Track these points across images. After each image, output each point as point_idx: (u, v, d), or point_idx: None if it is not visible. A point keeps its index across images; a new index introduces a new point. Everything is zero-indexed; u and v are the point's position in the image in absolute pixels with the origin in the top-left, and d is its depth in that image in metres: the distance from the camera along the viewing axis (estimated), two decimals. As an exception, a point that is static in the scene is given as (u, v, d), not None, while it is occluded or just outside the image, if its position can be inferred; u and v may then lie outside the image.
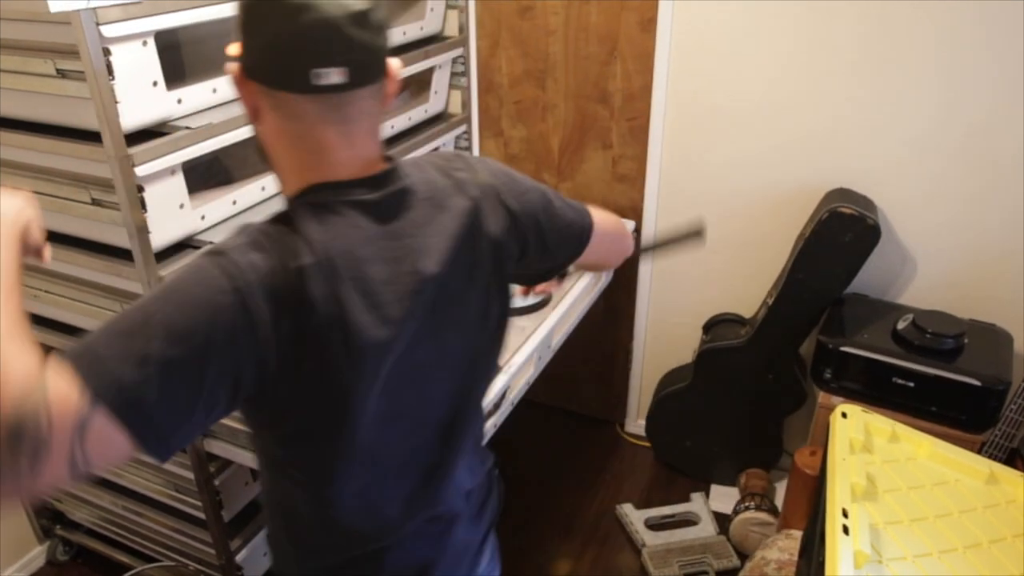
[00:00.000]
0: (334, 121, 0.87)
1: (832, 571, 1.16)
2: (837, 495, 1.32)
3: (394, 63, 0.92)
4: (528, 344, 1.87)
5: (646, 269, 2.67)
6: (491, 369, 1.14)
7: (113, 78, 1.40)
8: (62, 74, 1.44)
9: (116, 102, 1.41)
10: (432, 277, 0.92)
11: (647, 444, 2.83)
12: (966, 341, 2.05)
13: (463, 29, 2.54)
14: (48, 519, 2.34)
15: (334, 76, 0.83)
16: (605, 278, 2.49)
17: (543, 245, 1.10)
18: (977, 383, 1.94)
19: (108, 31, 1.36)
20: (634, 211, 2.61)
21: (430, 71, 2.46)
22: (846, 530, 1.24)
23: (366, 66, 0.86)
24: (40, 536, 2.36)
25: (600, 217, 1.22)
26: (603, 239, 1.22)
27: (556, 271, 1.24)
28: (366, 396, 0.91)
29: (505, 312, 1.10)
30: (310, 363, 0.85)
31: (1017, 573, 1.29)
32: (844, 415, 1.57)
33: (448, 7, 2.51)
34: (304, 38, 0.82)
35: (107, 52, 1.38)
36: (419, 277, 0.91)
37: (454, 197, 0.97)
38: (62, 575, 2.36)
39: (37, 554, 2.37)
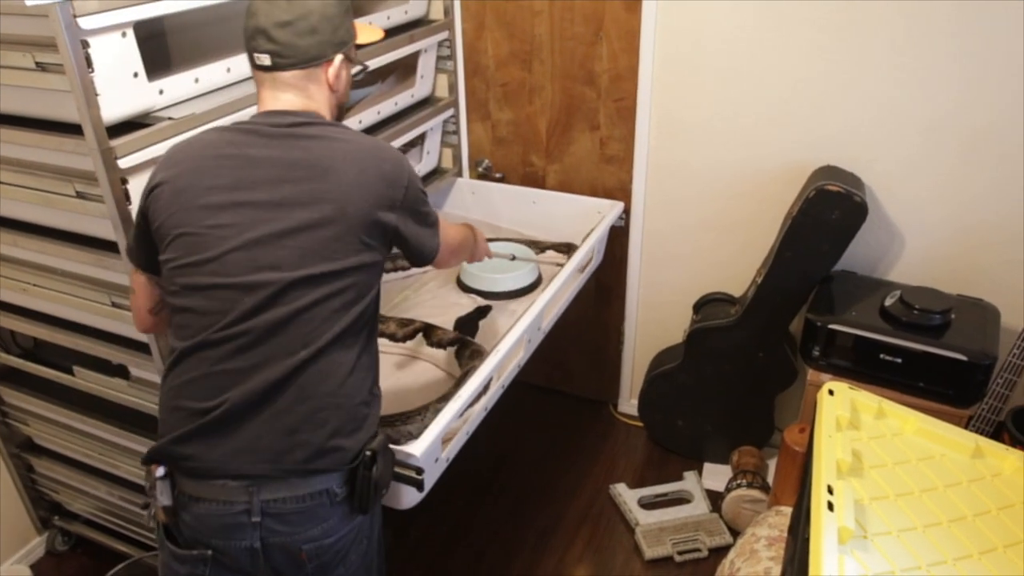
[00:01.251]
0: (268, 86, 1.37)
1: (817, 547, 1.17)
2: (822, 472, 1.34)
3: (335, 60, 1.37)
4: (518, 326, 1.87)
5: (636, 250, 2.68)
6: None
7: (92, 70, 1.40)
8: (41, 67, 1.43)
9: (96, 94, 1.41)
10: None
11: (640, 424, 2.85)
12: (953, 316, 2.06)
13: (448, 12, 2.53)
14: (46, 510, 2.36)
15: (264, 59, 1.34)
16: (596, 259, 2.49)
17: None
18: (964, 358, 1.95)
19: (85, 23, 1.36)
20: (623, 191, 2.61)
21: (416, 55, 2.45)
22: (831, 506, 1.25)
23: (284, 56, 1.32)
24: (39, 527, 2.38)
25: None
26: None
27: None
28: None
29: None
30: None
31: (1000, 545, 1.31)
32: (831, 392, 1.58)
33: (432, -10, 2.49)
34: (248, 35, 1.34)
35: (85, 44, 1.37)
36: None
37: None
38: (61, 565, 2.38)
39: (36, 544, 2.38)
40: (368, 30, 1.56)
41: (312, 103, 1.37)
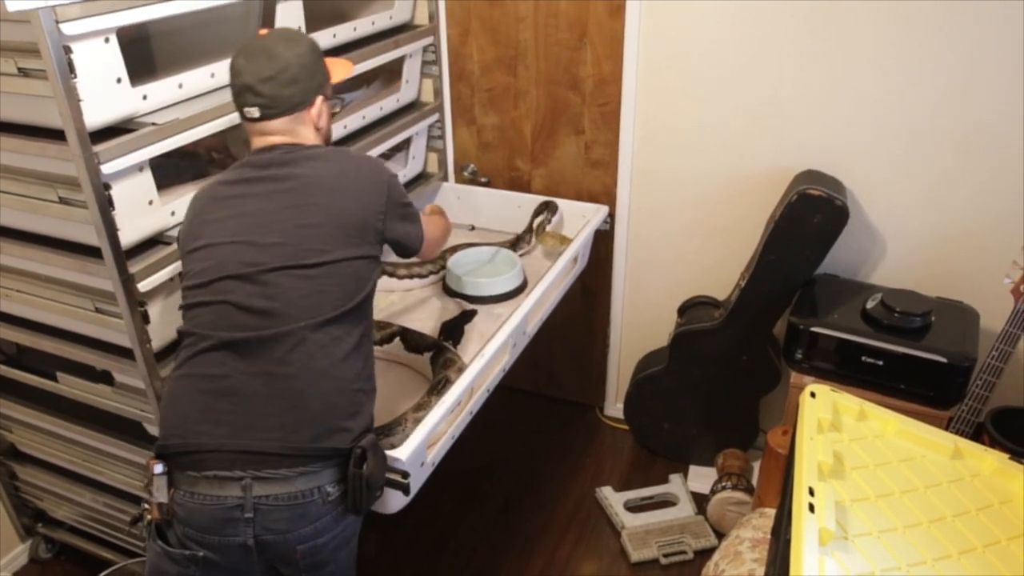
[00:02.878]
0: (258, 133, 1.51)
1: (798, 549, 1.18)
2: (804, 474, 1.35)
3: (317, 102, 1.53)
4: (503, 330, 1.88)
5: (621, 254, 2.69)
6: None
7: (75, 76, 1.40)
8: (24, 73, 1.43)
9: (79, 100, 1.41)
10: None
11: (626, 427, 2.86)
12: (933, 319, 2.08)
13: (433, 17, 2.54)
14: (29, 517, 2.34)
15: (253, 112, 1.48)
16: (581, 263, 2.50)
17: None
18: (944, 360, 1.98)
19: (68, 29, 1.35)
20: (608, 196, 2.63)
21: (401, 60, 2.45)
22: (812, 508, 1.27)
23: (271, 107, 1.47)
24: (22, 534, 2.36)
25: None
26: None
27: None
28: None
29: None
30: None
31: (979, 545, 1.32)
32: (813, 395, 1.60)
33: (417, -5, 2.50)
34: (236, 91, 1.49)
35: (68, 50, 1.37)
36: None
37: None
38: (45, 572, 2.37)
39: (19, 552, 2.37)
40: (340, 67, 1.69)
41: (299, 140, 1.52)
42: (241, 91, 1.47)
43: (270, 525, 1.32)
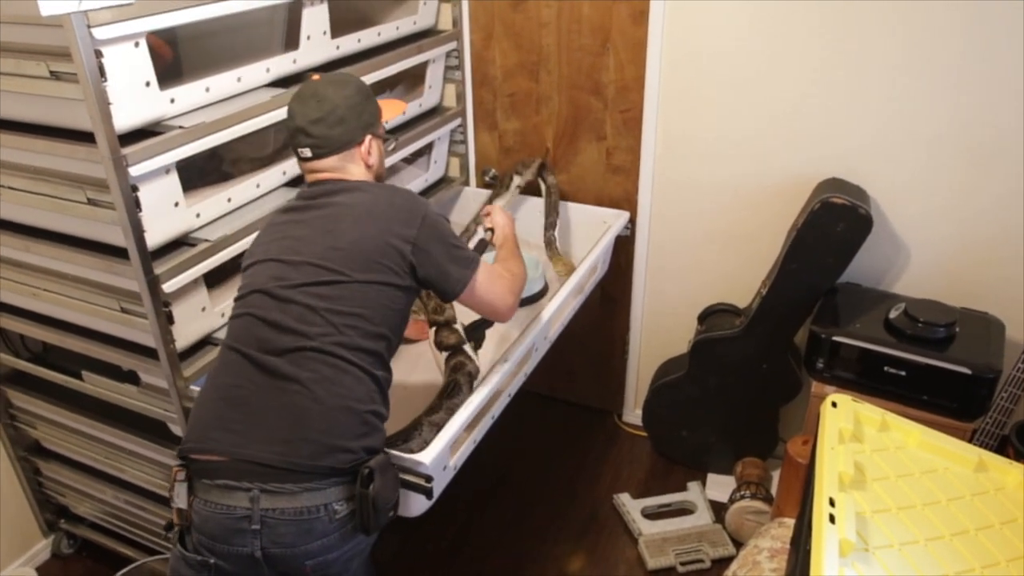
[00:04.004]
0: (311, 170, 1.58)
1: (818, 560, 1.18)
2: (824, 484, 1.34)
3: (366, 140, 1.58)
4: (526, 336, 1.88)
5: (641, 260, 2.69)
6: None
7: (106, 79, 1.42)
8: (56, 76, 1.45)
9: (109, 103, 1.43)
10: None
11: (644, 434, 2.85)
12: (957, 330, 2.06)
13: (456, 23, 2.55)
14: (52, 513, 2.38)
15: (306, 152, 1.55)
16: (601, 270, 2.50)
17: None
18: (968, 371, 1.96)
19: (99, 33, 1.38)
20: (628, 202, 2.62)
21: (424, 65, 2.47)
22: (832, 519, 1.26)
23: (322, 147, 1.54)
24: (45, 530, 2.40)
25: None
26: None
27: None
28: None
29: None
30: None
31: (1003, 560, 1.31)
32: (834, 404, 1.59)
33: (441, 1, 2.51)
34: (290, 134, 1.57)
35: (99, 54, 1.39)
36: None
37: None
38: (67, 568, 2.40)
39: (42, 547, 2.40)
40: (391, 107, 1.77)
41: (350, 177, 1.58)
42: (295, 133, 1.55)
43: (277, 539, 1.32)
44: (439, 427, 1.61)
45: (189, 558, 1.38)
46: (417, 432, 1.65)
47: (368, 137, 1.58)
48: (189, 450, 1.38)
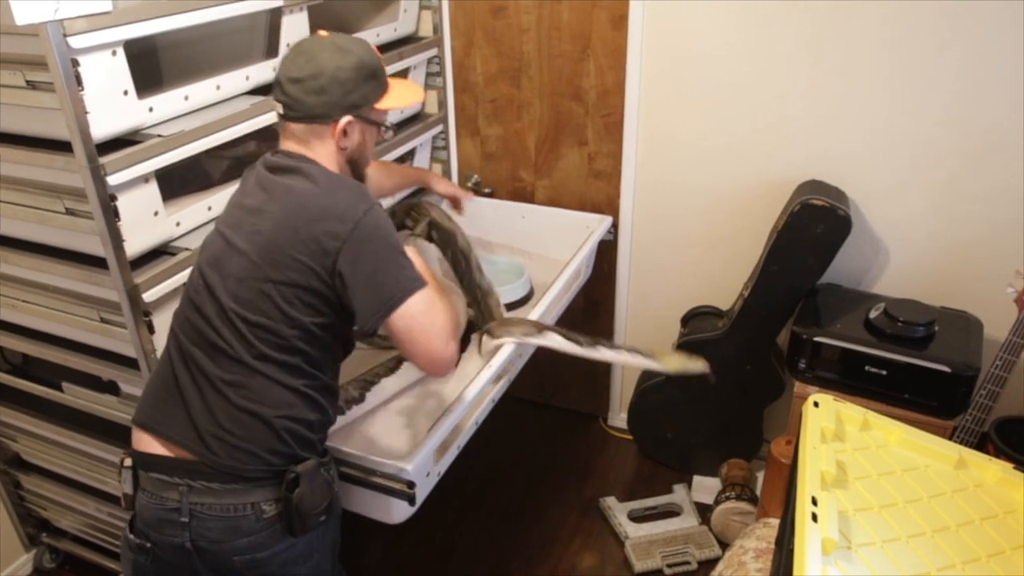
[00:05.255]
0: (281, 131, 1.46)
1: (801, 559, 1.18)
2: (807, 483, 1.35)
3: (342, 120, 1.40)
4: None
5: (624, 264, 2.70)
6: None
7: (82, 88, 1.41)
8: (32, 85, 1.45)
9: (86, 112, 1.42)
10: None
11: (630, 437, 2.86)
12: (937, 328, 2.08)
13: (437, 29, 2.56)
14: (34, 527, 2.35)
15: (278, 108, 1.43)
16: (585, 274, 2.51)
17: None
18: (947, 370, 1.98)
19: (76, 42, 1.37)
20: (611, 206, 2.63)
21: (406, 72, 2.47)
22: (815, 517, 1.27)
23: (293, 109, 1.40)
24: (27, 544, 2.37)
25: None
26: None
27: None
28: None
29: None
30: None
31: (983, 555, 1.32)
32: (816, 404, 1.60)
33: (421, 7, 2.52)
34: (273, 82, 1.44)
35: (75, 63, 1.39)
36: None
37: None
38: (49, 582, 2.37)
39: (24, 562, 2.37)
40: (408, 91, 1.51)
41: (312, 154, 1.42)
42: (275, 84, 1.42)
43: (205, 532, 1.34)
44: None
45: (131, 541, 1.41)
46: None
47: (348, 118, 1.40)
48: (135, 420, 1.42)
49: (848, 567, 1.21)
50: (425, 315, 1.34)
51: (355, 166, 1.49)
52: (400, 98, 1.49)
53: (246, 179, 1.46)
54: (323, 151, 1.42)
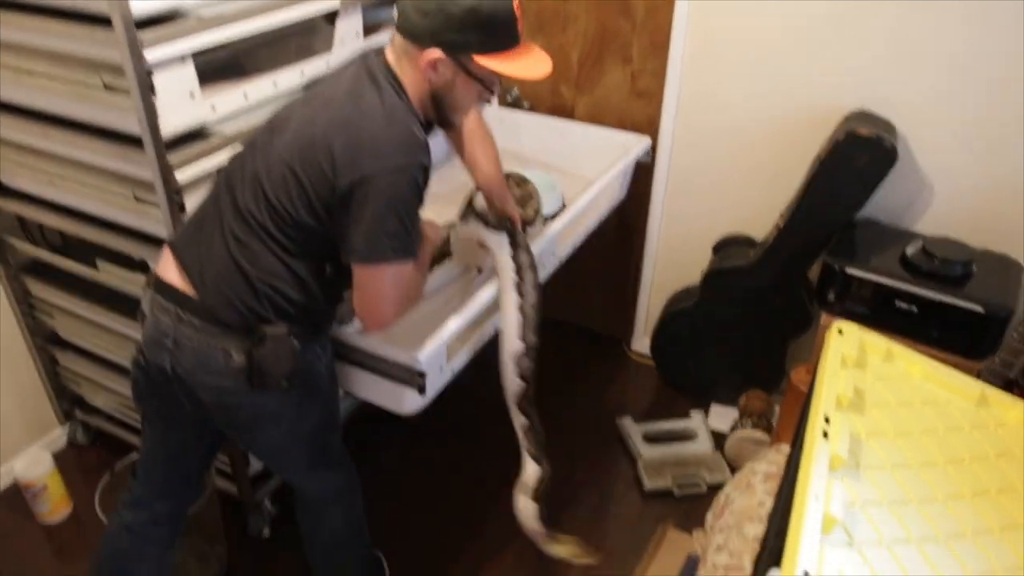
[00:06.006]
0: (391, 39, 1.45)
1: (806, 471, 1.18)
2: (822, 403, 1.34)
3: (429, 51, 1.36)
4: (532, 248, 1.87)
5: (660, 187, 2.66)
6: None
7: (155, 95, 1.52)
8: (109, 88, 1.55)
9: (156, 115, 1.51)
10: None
11: (651, 362, 2.87)
12: (974, 268, 2.03)
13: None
14: (69, 402, 2.44)
15: (396, 15, 1.42)
16: (619, 193, 2.48)
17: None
18: (981, 310, 1.93)
19: (151, 55, 1.49)
20: (651, 127, 2.58)
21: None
22: (826, 435, 1.26)
23: (401, 22, 1.39)
24: (61, 418, 2.47)
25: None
26: None
27: None
28: None
29: None
30: None
31: (993, 489, 1.31)
32: (840, 331, 1.58)
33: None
34: None
35: (149, 73, 1.50)
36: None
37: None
38: (81, 456, 2.47)
39: (59, 435, 2.48)
40: (517, 65, 1.42)
41: (400, 71, 1.42)
42: None
43: (181, 361, 1.43)
44: None
45: (135, 357, 1.54)
46: None
47: (439, 54, 1.35)
48: (168, 240, 1.53)
49: (854, 484, 1.21)
50: (386, 284, 1.40)
51: (440, 104, 1.45)
52: (510, 67, 1.40)
53: (346, 67, 1.48)
54: (411, 74, 1.41)
